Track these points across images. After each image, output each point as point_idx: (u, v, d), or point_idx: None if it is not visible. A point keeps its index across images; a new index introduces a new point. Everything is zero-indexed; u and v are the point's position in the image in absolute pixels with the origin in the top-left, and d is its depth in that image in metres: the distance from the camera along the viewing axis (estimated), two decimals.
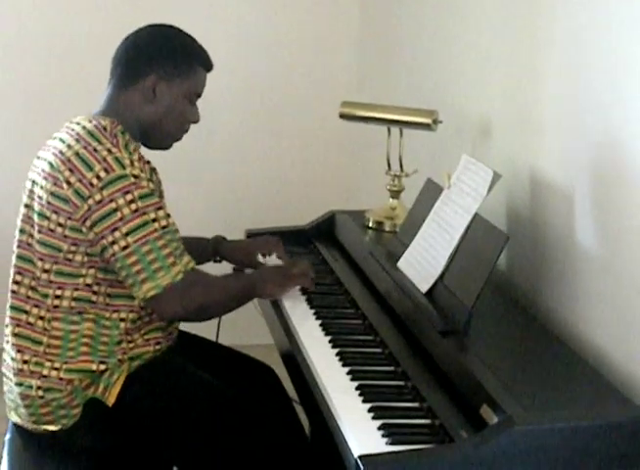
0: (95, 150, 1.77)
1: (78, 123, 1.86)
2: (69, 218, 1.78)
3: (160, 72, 1.88)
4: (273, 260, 2.22)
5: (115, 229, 1.75)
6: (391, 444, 1.44)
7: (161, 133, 1.92)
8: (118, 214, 1.75)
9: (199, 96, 1.95)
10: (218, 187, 3.40)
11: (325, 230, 2.46)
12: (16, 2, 3.20)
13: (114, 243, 1.76)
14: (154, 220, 1.77)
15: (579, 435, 1.40)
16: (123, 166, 1.76)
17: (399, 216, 2.32)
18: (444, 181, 1.97)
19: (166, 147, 1.97)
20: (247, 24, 3.31)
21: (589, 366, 1.64)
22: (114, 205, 1.74)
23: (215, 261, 2.23)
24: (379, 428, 1.48)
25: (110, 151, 1.77)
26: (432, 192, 2.03)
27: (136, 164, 1.79)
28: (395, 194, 2.38)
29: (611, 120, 1.70)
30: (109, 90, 1.92)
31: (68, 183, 1.77)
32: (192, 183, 3.36)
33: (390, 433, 1.47)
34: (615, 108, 1.69)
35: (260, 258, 2.21)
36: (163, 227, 1.78)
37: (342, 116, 2.43)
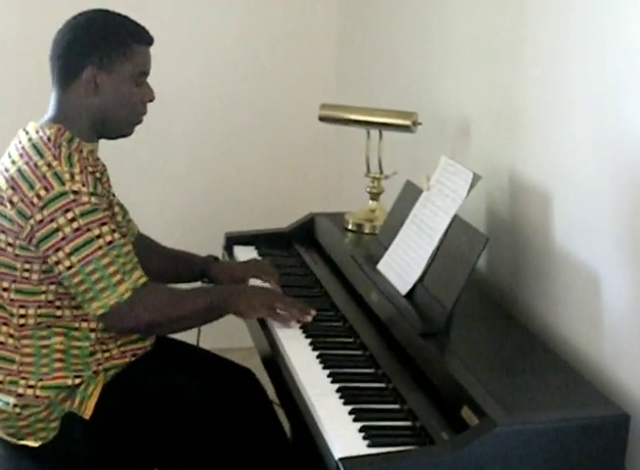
0: (36, 166, 1.73)
1: (27, 133, 1.82)
2: (17, 238, 1.75)
3: (95, 62, 1.81)
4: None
5: (59, 249, 1.72)
6: (372, 446, 1.44)
7: (116, 122, 1.85)
8: (60, 234, 1.71)
9: (146, 74, 1.87)
10: (197, 190, 3.38)
11: (305, 233, 2.46)
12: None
13: (58, 263, 1.73)
14: (98, 237, 1.73)
15: (560, 435, 1.41)
16: (62, 183, 1.71)
17: (379, 219, 2.32)
18: (424, 183, 1.97)
19: (128, 134, 1.89)
20: (224, 27, 3.30)
21: (569, 366, 1.64)
22: (54, 224, 1.71)
23: (203, 282, 2.17)
24: (360, 430, 1.48)
25: (49, 165, 1.73)
26: (411, 194, 2.03)
27: (77, 177, 1.73)
28: (375, 196, 2.38)
29: (591, 122, 1.71)
30: (53, 92, 1.87)
31: (12, 203, 1.74)
32: (171, 186, 3.35)
33: (371, 435, 1.47)
34: (595, 109, 1.69)
35: (251, 282, 2.10)
36: (109, 243, 1.73)
37: (322, 118, 2.43)
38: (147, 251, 2.09)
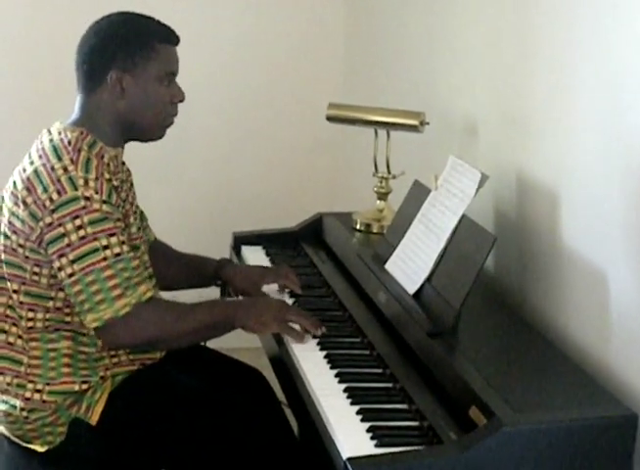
0: (52, 168, 1.72)
1: (50, 133, 1.81)
2: (27, 240, 1.74)
3: (119, 65, 1.79)
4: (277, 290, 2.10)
5: (63, 255, 1.69)
6: (380, 446, 1.44)
7: (145, 125, 1.83)
8: (66, 240, 1.68)
9: (174, 74, 1.84)
10: (205, 190, 3.38)
11: (312, 232, 2.45)
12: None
13: (61, 269, 1.70)
14: (105, 247, 1.69)
15: (568, 435, 1.40)
16: (76, 188, 1.69)
17: (387, 218, 2.32)
18: (432, 183, 1.97)
19: (159, 136, 1.87)
20: (232, 27, 3.30)
21: (576, 366, 1.64)
22: (62, 229, 1.69)
23: (217, 286, 2.15)
24: (367, 430, 1.48)
25: (65, 169, 1.71)
26: (419, 194, 2.03)
27: (91, 183, 1.70)
28: (383, 196, 2.38)
29: (600, 122, 1.70)
30: (78, 96, 1.85)
31: (25, 204, 1.73)
32: (178, 186, 3.35)
33: (379, 435, 1.47)
34: (604, 108, 1.69)
35: (266, 288, 2.07)
36: (116, 255, 1.70)
37: (329, 118, 2.43)
38: (163, 257, 2.08)
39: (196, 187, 3.38)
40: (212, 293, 2.15)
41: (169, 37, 1.83)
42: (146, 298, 1.73)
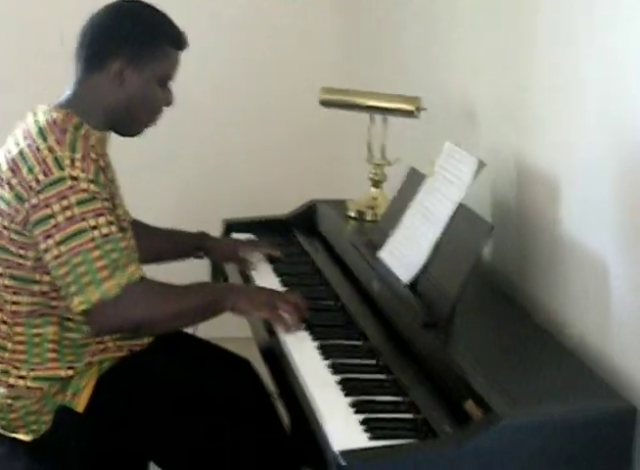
0: (38, 149, 1.71)
1: (35, 115, 1.80)
2: (12, 222, 1.73)
3: (126, 56, 1.79)
4: (259, 257, 2.21)
5: (49, 236, 1.68)
6: (373, 438, 1.43)
7: (131, 120, 1.84)
8: (52, 221, 1.67)
9: (171, 79, 1.87)
10: (194, 176, 3.37)
11: (305, 220, 2.46)
12: None
13: (46, 251, 1.69)
14: (93, 228, 1.68)
15: (567, 428, 1.40)
16: (62, 168, 1.68)
17: (381, 206, 2.32)
18: (428, 170, 1.97)
19: (137, 134, 1.89)
20: (224, 11, 3.28)
21: (576, 358, 1.64)
22: (49, 210, 1.68)
23: (197, 257, 2.21)
24: (360, 422, 1.48)
25: (51, 149, 1.70)
26: (415, 181, 2.02)
27: (77, 163, 1.70)
28: (377, 183, 2.38)
29: (602, 107, 1.69)
30: (74, 74, 1.84)
31: (10, 185, 1.72)
32: (167, 171, 3.33)
33: (372, 427, 1.46)
34: (606, 94, 1.68)
35: (246, 255, 2.19)
36: (105, 235, 1.69)
37: (323, 102, 2.42)
38: (141, 233, 2.08)
39: (185, 173, 3.36)
40: (198, 274, 2.15)
41: (181, 43, 1.85)
42: (135, 278, 1.72)
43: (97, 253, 1.69)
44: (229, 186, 3.40)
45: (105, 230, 1.70)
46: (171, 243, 2.20)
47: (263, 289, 1.92)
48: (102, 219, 1.70)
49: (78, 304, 1.70)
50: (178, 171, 3.36)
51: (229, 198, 3.36)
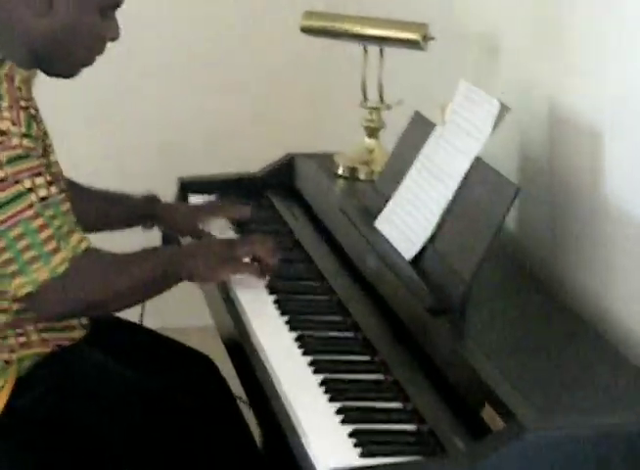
0: None
1: None
2: None
3: None
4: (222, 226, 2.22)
5: None
6: (366, 455, 1.44)
7: (62, 57, 1.84)
8: None
9: (117, 6, 1.87)
10: (148, 125, 3.39)
11: (282, 178, 2.47)
12: None
13: None
14: (29, 190, 1.70)
15: (606, 445, 1.40)
16: None
17: (378, 161, 2.32)
18: (437, 116, 1.97)
19: (72, 74, 1.89)
20: None
21: (620, 355, 1.65)
22: None
23: (145, 227, 2.21)
24: (350, 435, 1.48)
25: None
26: (420, 130, 2.03)
27: (5, 113, 1.71)
28: (373, 132, 2.38)
29: None
30: None
31: None
32: (107, 122, 3.35)
33: (365, 441, 1.47)
34: None
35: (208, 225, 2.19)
36: (42, 199, 1.71)
37: (305, 29, 2.41)
38: (77, 196, 2.07)
39: (137, 122, 3.38)
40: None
41: None
42: (81, 249, 1.75)
43: (39, 221, 1.71)
44: (185, 137, 3.41)
45: (43, 192, 1.72)
46: (113, 209, 2.20)
47: (215, 243, 1.97)
48: (39, 180, 1.72)
49: (20, 286, 1.72)
50: (128, 119, 3.37)
51: (185, 151, 3.37)
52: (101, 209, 2.18)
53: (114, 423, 1.83)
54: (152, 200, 2.22)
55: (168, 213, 2.22)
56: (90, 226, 2.08)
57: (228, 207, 2.26)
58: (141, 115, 3.39)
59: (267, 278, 1.93)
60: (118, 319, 2.09)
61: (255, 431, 2.02)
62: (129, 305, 1.88)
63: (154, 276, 1.83)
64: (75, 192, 2.07)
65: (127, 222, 2.21)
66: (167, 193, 2.45)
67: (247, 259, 1.90)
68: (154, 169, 3.23)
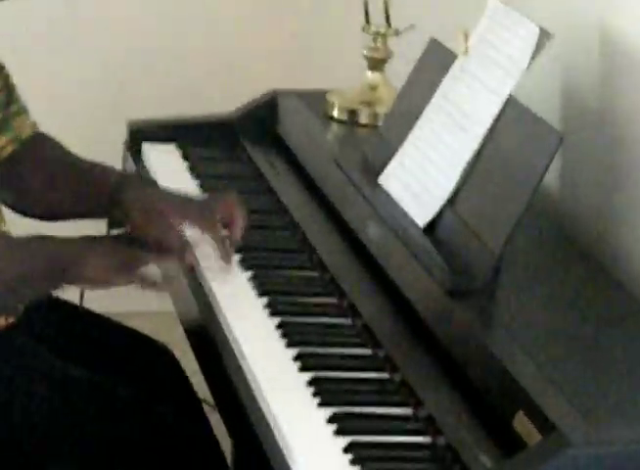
0: None
1: None
2: None
3: None
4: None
5: None
6: None
7: None
8: None
9: None
10: (103, 58, 3.43)
11: (260, 122, 2.48)
12: None
13: None
14: None
15: None
16: None
17: (383, 101, 2.34)
18: (459, 44, 1.97)
19: None
20: None
21: None
22: None
23: (112, 226, 2.15)
24: (345, 449, 1.48)
25: None
26: (437, 61, 2.04)
27: None
28: (377, 64, 2.40)
29: None
30: None
31: None
32: (65, 54, 3.40)
33: (366, 458, 1.46)
34: None
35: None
36: None
37: None
38: (46, 164, 2.11)
39: (89, 55, 3.42)
40: None
41: None
42: None
43: None
44: (150, 72, 3.46)
45: None
46: (80, 189, 2.13)
47: (119, 240, 1.94)
48: None
49: None
50: (77, 51, 3.41)
51: (144, 88, 3.42)
52: (72, 191, 2.12)
53: (48, 429, 1.84)
54: (127, 182, 2.09)
55: (134, 207, 2.05)
56: (53, 213, 2.12)
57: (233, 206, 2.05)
58: (104, 53, 3.44)
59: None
60: (57, 300, 2.11)
61: (225, 442, 2.02)
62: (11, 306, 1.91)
63: (31, 271, 1.83)
64: (48, 158, 2.11)
65: (92, 213, 2.15)
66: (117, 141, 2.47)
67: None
68: (105, 112, 3.26)
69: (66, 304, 2.13)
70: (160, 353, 2.13)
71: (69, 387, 1.90)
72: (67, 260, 1.85)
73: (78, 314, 2.15)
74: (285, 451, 1.50)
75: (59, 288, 1.89)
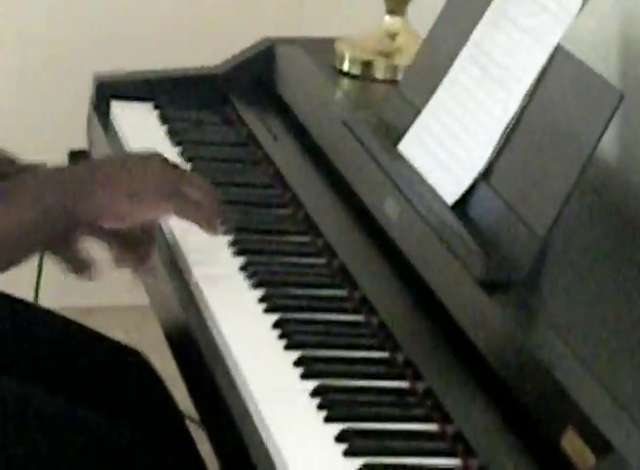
0: None
1: None
2: None
3: None
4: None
5: None
6: None
7: None
8: None
9: None
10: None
11: (254, 77, 2.50)
12: None
13: None
14: None
15: None
16: None
17: (404, 51, 2.37)
18: None
19: None
20: None
21: None
22: None
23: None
24: None
25: None
26: (470, 2, 2.05)
27: None
28: (398, 6, 2.41)
29: None
30: None
31: None
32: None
33: None
34: None
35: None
36: None
37: None
38: None
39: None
40: None
41: None
42: None
43: None
44: (115, 15, 3.51)
45: None
46: None
47: (147, 159, 1.93)
48: None
49: None
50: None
51: (114, 37, 3.46)
52: None
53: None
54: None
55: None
56: None
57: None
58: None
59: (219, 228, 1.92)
60: (7, 297, 2.13)
61: (212, 464, 2.01)
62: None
63: (36, 213, 1.81)
64: None
65: None
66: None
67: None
68: (71, 63, 3.29)
69: (14, 301, 2.15)
70: (130, 358, 2.15)
71: (19, 407, 1.89)
72: (82, 186, 1.85)
73: (31, 312, 2.16)
74: None
75: (66, 233, 1.85)
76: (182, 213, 1.87)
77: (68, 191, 1.85)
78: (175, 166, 1.94)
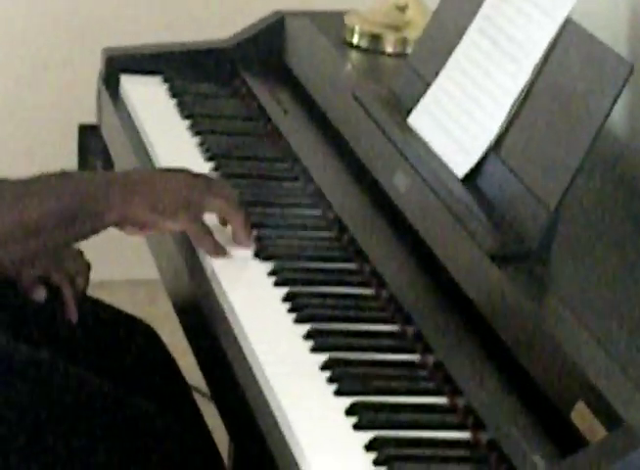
0: None
1: None
2: None
3: None
4: None
5: None
6: None
7: None
8: None
9: None
10: None
11: (264, 51, 2.49)
12: None
13: None
14: None
15: None
16: None
17: (413, 24, 2.37)
18: None
19: None
20: None
21: None
22: None
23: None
24: (367, 447, 1.48)
25: None
26: None
27: None
28: None
29: None
30: None
31: None
32: None
33: (392, 456, 1.46)
34: None
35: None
36: None
37: None
38: None
39: None
40: None
41: None
42: None
43: None
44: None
45: None
46: None
47: (174, 174, 1.95)
48: None
49: None
50: None
51: (123, 11, 3.45)
52: None
53: (16, 432, 1.83)
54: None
55: None
56: None
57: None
58: None
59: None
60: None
61: (221, 438, 2.03)
62: (17, 254, 1.90)
63: (52, 215, 1.84)
64: None
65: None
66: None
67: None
68: (79, 37, 3.30)
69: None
70: (139, 331, 2.15)
71: (31, 373, 1.89)
72: (109, 194, 1.87)
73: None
74: (295, 451, 1.50)
75: (93, 233, 1.89)
76: (198, 242, 1.92)
77: (90, 193, 1.87)
78: (203, 180, 1.95)
